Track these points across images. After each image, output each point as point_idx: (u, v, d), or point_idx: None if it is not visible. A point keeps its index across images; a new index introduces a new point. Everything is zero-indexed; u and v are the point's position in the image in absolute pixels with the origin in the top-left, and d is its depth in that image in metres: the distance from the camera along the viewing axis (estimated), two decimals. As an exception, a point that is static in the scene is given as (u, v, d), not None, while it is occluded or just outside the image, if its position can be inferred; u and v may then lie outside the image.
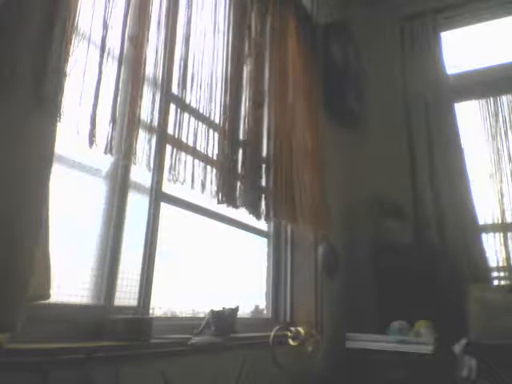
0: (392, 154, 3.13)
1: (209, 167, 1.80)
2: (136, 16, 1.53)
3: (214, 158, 1.84)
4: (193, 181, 1.70)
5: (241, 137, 2.05)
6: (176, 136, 1.67)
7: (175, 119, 1.69)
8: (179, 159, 1.65)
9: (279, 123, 2.30)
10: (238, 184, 1.95)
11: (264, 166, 2.20)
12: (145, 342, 1.38)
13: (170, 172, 1.61)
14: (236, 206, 1.92)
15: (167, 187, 1.73)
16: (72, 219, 1.40)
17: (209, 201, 1.90)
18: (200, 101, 1.82)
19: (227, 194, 1.85)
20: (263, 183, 2.17)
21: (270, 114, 2.30)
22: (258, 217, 2.07)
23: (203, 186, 1.74)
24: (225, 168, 1.86)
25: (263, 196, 2.12)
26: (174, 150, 1.65)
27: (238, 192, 1.93)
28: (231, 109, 1.97)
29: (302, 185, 2.38)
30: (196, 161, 1.74)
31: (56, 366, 1.09)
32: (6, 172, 1.05)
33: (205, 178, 1.76)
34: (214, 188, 1.80)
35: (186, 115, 1.73)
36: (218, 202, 1.82)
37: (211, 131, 1.85)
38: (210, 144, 1.83)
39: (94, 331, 1.34)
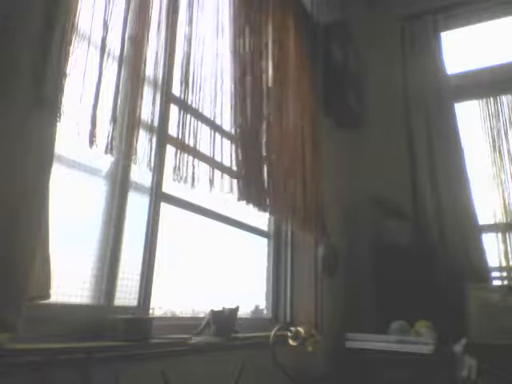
0: (392, 154, 3.12)
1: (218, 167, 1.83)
2: (136, 16, 1.53)
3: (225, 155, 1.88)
4: (194, 180, 1.70)
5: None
6: (179, 137, 1.67)
7: (178, 120, 1.68)
8: (183, 158, 1.65)
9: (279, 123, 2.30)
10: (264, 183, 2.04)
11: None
12: (145, 342, 1.38)
13: (174, 172, 1.61)
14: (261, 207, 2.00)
15: (167, 187, 1.73)
16: (72, 219, 1.40)
17: (208, 201, 1.91)
18: (200, 101, 1.81)
19: (247, 193, 1.91)
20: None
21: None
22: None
23: (211, 183, 1.77)
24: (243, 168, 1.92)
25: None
26: (178, 150, 1.65)
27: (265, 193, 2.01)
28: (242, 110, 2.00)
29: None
30: (207, 159, 1.77)
31: (56, 366, 1.09)
32: (6, 172, 1.04)
33: (213, 176, 1.78)
34: (233, 186, 1.86)
35: (188, 116, 1.73)
36: (238, 200, 1.89)
37: (212, 130, 1.86)
38: (217, 143, 1.85)
39: (94, 331, 1.34)
